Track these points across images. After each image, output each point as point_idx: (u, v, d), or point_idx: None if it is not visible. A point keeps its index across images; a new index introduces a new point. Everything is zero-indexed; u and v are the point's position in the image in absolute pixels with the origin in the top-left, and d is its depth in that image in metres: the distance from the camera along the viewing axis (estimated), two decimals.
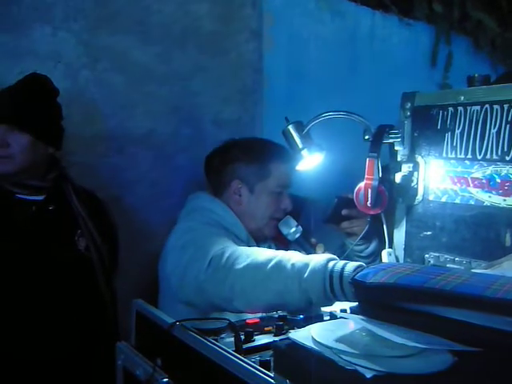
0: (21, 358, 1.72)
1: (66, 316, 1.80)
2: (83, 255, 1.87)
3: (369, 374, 0.79)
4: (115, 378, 1.53)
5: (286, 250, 1.48)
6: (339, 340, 0.91)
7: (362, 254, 1.93)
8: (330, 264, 1.31)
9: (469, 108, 1.47)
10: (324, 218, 1.91)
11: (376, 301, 1.04)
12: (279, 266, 1.37)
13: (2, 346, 1.72)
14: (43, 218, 1.83)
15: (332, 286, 1.27)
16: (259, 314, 1.53)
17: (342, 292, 1.27)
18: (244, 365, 1.04)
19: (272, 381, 0.95)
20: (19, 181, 1.82)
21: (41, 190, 1.85)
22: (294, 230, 1.95)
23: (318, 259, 1.34)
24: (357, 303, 1.16)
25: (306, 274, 1.31)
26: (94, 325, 1.87)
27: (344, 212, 1.86)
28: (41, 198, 1.85)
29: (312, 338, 0.93)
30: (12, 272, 1.73)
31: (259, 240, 1.99)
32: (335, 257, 1.35)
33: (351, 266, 1.28)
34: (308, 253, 1.85)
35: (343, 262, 1.31)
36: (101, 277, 1.90)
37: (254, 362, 1.09)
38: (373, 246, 1.92)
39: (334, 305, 1.36)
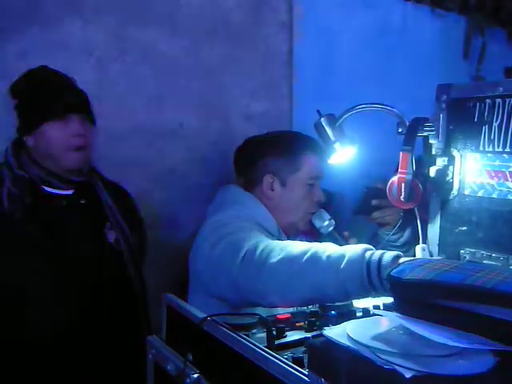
0: (52, 351, 1.73)
1: (99, 308, 1.80)
2: (113, 248, 1.87)
3: (408, 374, 0.77)
4: (146, 371, 1.53)
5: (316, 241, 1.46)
6: (375, 338, 0.89)
7: (397, 244, 1.90)
8: (367, 254, 1.27)
9: (507, 100, 1.42)
10: (354, 209, 1.88)
11: (413, 298, 1.01)
12: (314, 258, 1.34)
13: (32, 339, 1.71)
14: (74, 212, 1.82)
15: (370, 277, 1.24)
16: (290, 309, 1.51)
17: (379, 282, 1.22)
18: (277, 361, 1.02)
19: (306, 379, 0.93)
20: (67, 176, 1.82)
21: (70, 183, 1.84)
22: (327, 223, 1.93)
23: (354, 249, 1.30)
24: (392, 299, 1.13)
25: (342, 265, 1.27)
26: (126, 317, 1.88)
27: (374, 202, 1.84)
28: (70, 192, 1.84)
29: (347, 335, 0.90)
30: (45, 266, 1.72)
31: (291, 234, 1.97)
32: (371, 247, 1.31)
33: (389, 255, 1.23)
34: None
35: (380, 251, 1.27)
36: (131, 269, 1.90)
37: (286, 358, 1.07)
38: (407, 234, 1.89)
39: (371, 296, 1.33)
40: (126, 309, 1.89)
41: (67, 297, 1.75)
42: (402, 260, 1.22)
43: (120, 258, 1.89)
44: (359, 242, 1.85)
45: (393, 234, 1.87)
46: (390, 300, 1.36)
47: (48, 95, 1.75)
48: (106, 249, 1.86)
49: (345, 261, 1.28)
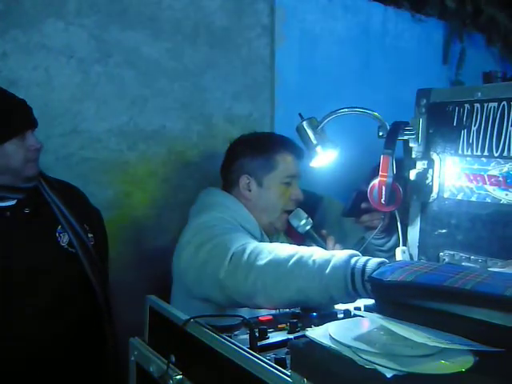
0: (10, 360, 1.70)
1: (59, 314, 1.78)
2: (67, 251, 1.82)
3: (389, 374, 0.79)
4: (127, 374, 1.52)
5: (299, 244, 1.48)
6: (357, 338, 0.90)
7: (383, 248, 1.91)
8: (353, 260, 1.28)
9: (486, 105, 1.45)
10: (343, 211, 1.89)
11: (394, 299, 1.03)
12: (301, 262, 1.36)
13: None
14: (19, 222, 1.76)
15: (354, 283, 1.25)
16: (272, 311, 1.52)
17: (363, 289, 1.24)
18: (260, 362, 1.03)
19: (289, 379, 0.94)
20: (18, 184, 1.77)
21: (19, 191, 1.78)
22: (304, 222, 1.93)
23: (340, 255, 1.31)
24: (373, 301, 1.15)
25: (327, 271, 1.29)
26: (87, 321, 1.85)
27: (364, 205, 1.84)
28: (13, 202, 1.77)
29: (330, 336, 0.92)
30: None
31: (270, 234, 1.99)
32: (358, 253, 1.32)
33: (374, 262, 1.25)
34: (319, 245, 1.83)
35: (366, 258, 1.28)
36: (89, 271, 1.84)
37: (269, 359, 1.08)
38: (394, 239, 1.89)
39: (356, 302, 1.34)
40: (86, 313, 1.85)
41: (22, 309, 1.71)
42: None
43: (76, 260, 1.83)
44: (346, 245, 1.86)
45: (379, 238, 1.88)
46: (371, 302, 1.38)
47: (7, 115, 1.73)
48: (59, 253, 1.80)
49: (329, 266, 1.29)
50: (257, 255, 1.44)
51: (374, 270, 1.20)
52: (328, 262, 1.30)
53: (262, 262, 1.42)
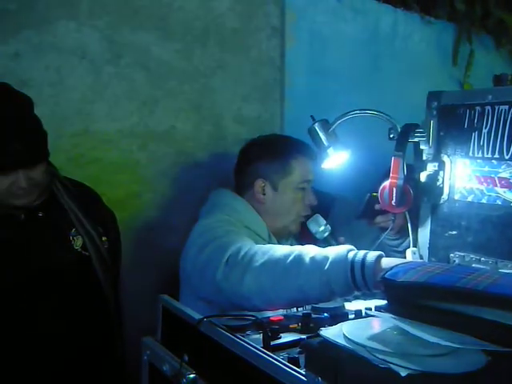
0: (22, 364, 1.69)
1: (70, 316, 1.77)
2: (80, 254, 1.79)
3: (403, 373, 0.80)
4: (137, 374, 1.54)
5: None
6: (371, 338, 0.91)
7: (399, 249, 1.91)
8: (351, 254, 1.32)
9: (497, 107, 1.46)
10: (357, 213, 1.89)
11: (407, 300, 1.04)
12: (298, 260, 1.37)
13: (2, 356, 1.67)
14: (33, 224, 1.73)
15: (354, 276, 1.28)
16: (280, 311, 1.53)
17: (363, 282, 1.28)
18: (274, 362, 1.04)
19: (303, 378, 0.95)
20: (28, 205, 1.71)
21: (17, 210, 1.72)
22: (322, 228, 1.91)
23: (337, 250, 1.35)
24: (385, 301, 1.16)
25: (326, 266, 1.32)
26: (97, 323, 1.84)
27: (377, 207, 1.84)
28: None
29: (344, 335, 0.93)
30: (9, 284, 1.66)
31: (282, 238, 1.99)
32: (354, 247, 1.36)
33: (372, 255, 1.29)
34: None
35: (364, 251, 1.32)
36: (101, 274, 1.82)
37: (282, 358, 1.09)
38: (409, 240, 1.90)
39: (354, 295, 1.37)
40: (96, 315, 1.84)
41: (34, 310, 1.70)
42: (384, 260, 1.27)
43: (89, 263, 1.80)
44: (359, 246, 1.87)
45: (394, 239, 1.89)
46: (381, 302, 1.39)
47: None
48: (72, 256, 1.78)
49: (329, 262, 1.32)
50: (252, 256, 1.46)
51: (373, 263, 1.26)
52: (326, 258, 1.33)
53: (257, 263, 1.43)
